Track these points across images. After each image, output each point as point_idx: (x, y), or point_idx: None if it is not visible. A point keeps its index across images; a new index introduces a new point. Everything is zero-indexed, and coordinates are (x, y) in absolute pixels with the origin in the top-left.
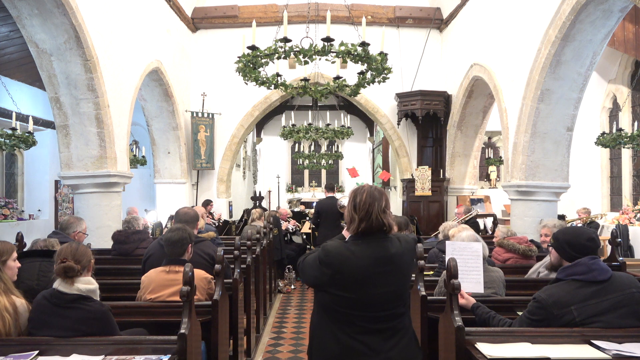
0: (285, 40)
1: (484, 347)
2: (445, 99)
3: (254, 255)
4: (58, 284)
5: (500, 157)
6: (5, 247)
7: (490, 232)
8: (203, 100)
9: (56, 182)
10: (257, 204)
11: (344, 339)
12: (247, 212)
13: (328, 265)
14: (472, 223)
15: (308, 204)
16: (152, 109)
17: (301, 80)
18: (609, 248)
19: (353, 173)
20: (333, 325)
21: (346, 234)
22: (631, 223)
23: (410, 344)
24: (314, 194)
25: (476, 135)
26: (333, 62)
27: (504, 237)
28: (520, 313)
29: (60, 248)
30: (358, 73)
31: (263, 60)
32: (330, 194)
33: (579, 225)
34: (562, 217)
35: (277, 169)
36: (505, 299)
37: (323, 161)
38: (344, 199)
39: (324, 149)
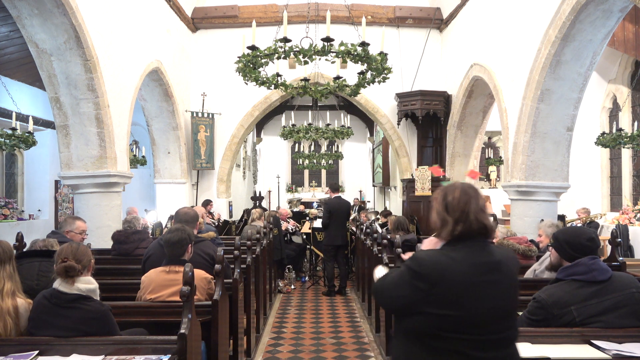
0: (285, 40)
1: None
2: (445, 99)
3: (254, 255)
4: (58, 284)
5: (500, 157)
6: (11, 246)
7: None
8: (203, 100)
9: (56, 182)
10: (257, 204)
11: None
12: (247, 212)
13: (423, 277)
14: None
15: (308, 204)
16: (152, 109)
17: (301, 80)
18: (609, 248)
19: (437, 172)
20: (431, 359)
21: (431, 244)
22: (631, 223)
23: None
24: (314, 194)
25: (476, 135)
26: (333, 62)
27: (503, 237)
28: (520, 313)
29: (61, 248)
30: (358, 73)
31: (263, 60)
32: (336, 194)
33: (579, 225)
34: (562, 217)
35: (277, 169)
36: None
37: (323, 161)
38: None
39: (324, 149)
